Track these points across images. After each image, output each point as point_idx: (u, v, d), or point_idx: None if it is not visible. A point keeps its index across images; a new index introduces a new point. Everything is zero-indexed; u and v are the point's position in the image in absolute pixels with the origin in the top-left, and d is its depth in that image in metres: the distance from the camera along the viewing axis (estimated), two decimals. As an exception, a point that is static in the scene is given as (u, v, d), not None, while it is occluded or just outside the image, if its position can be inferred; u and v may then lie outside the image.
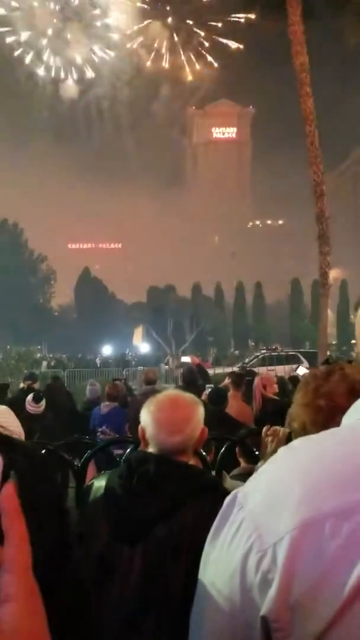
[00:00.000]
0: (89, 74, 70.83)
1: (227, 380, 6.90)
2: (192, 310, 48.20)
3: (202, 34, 66.45)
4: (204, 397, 5.86)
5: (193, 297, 52.73)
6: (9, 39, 63.08)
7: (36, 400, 6.49)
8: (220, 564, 0.69)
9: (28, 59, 66.39)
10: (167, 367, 31.94)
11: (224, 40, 66.41)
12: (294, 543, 0.62)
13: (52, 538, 0.83)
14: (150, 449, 1.80)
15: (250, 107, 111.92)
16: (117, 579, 1.61)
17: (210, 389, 5.87)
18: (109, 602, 1.61)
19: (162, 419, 1.79)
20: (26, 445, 1.31)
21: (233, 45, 66.88)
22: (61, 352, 51.28)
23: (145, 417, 1.83)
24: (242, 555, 0.66)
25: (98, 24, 62.89)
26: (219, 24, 63.58)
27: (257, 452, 2.82)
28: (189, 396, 1.92)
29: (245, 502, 0.70)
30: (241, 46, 66.29)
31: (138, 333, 57.80)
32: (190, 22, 64.97)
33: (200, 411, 1.86)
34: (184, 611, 1.45)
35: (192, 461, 2.06)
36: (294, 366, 18.55)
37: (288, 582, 0.61)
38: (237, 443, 2.87)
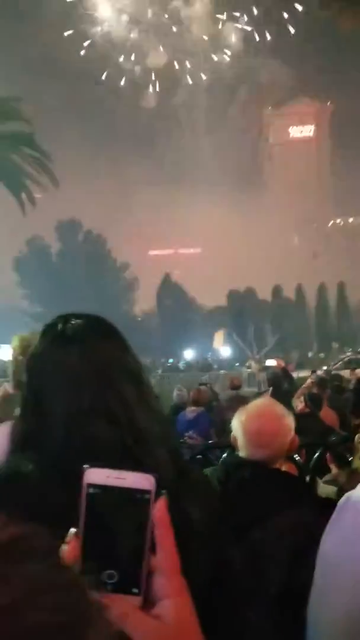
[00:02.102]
0: (169, 81, 71.96)
1: (308, 382, 6.76)
2: (273, 313, 47.59)
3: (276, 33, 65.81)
4: (300, 402, 5.79)
5: (273, 299, 52.07)
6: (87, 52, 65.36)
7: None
8: (337, 560, 0.76)
9: (107, 68, 68.48)
10: (249, 370, 31.72)
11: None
12: None
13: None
14: (242, 455, 1.85)
15: (329, 103, 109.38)
16: None
17: (308, 395, 5.81)
18: None
19: (251, 431, 1.83)
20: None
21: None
22: (144, 357, 52.17)
23: (236, 426, 1.88)
24: (359, 550, 0.72)
25: (174, 30, 63.90)
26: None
27: (350, 458, 2.81)
28: (278, 408, 1.94)
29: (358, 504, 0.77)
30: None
31: (219, 337, 57.71)
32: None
33: (289, 422, 1.87)
34: (284, 610, 1.49)
35: (284, 467, 2.09)
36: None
37: None
38: (328, 449, 2.87)
